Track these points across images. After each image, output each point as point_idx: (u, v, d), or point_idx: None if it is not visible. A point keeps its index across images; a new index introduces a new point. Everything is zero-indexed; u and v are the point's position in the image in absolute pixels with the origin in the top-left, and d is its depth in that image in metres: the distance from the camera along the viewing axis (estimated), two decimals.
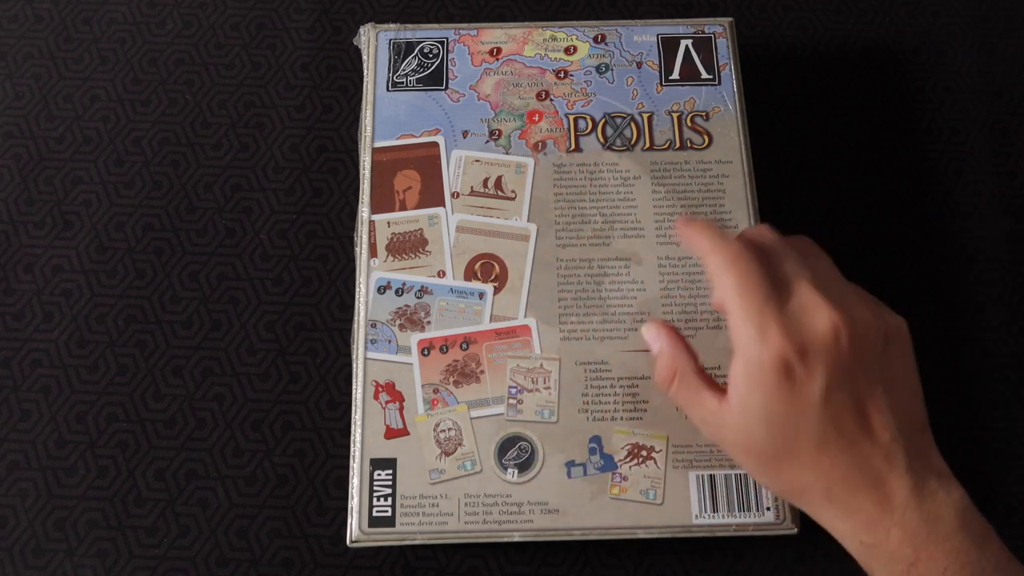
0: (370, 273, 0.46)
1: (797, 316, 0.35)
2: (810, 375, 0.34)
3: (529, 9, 0.57)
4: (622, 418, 0.43)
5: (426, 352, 0.44)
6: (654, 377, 0.39)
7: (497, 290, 0.45)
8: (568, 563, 0.45)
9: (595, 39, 0.50)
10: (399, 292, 0.45)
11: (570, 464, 0.42)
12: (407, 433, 0.43)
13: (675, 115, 0.49)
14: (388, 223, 0.47)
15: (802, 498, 0.36)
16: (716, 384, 0.37)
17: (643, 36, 0.50)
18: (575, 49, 0.50)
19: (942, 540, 0.33)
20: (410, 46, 0.50)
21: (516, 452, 0.43)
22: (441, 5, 0.57)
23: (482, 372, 0.44)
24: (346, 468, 0.46)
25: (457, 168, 0.48)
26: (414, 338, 0.44)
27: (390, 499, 0.42)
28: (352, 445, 0.43)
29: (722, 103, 0.49)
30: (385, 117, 0.49)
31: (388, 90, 0.49)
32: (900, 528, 0.33)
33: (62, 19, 0.56)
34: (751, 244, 0.37)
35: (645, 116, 0.49)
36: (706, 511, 0.42)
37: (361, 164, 0.48)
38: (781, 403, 0.34)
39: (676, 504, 0.42)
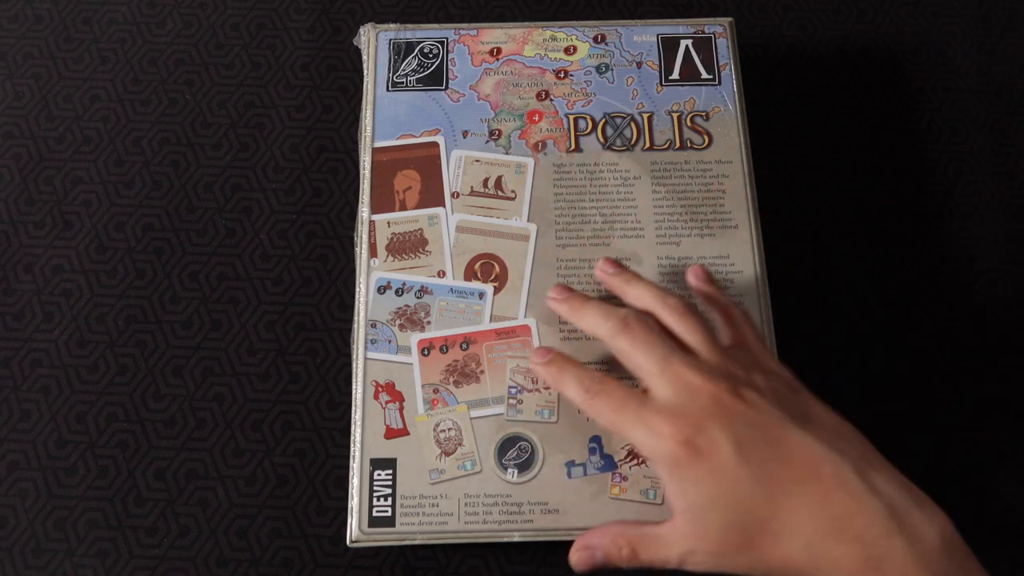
0: (370, 273, 0.46)
1: (675, 402, 0.36)
2: (713, 443, 0.35)
3: (529, 9, 0.57)
4: None
5: (426, 352, 0.44)
6: (622, 566, 0.37)
7: (497, 290, 0.45)
8: (568, 563, 0.45)
9: (595, 39, 0.50)
10: (399, 292, 0.45)
11: (570, 464, 0.42)
12: (407, 433, 0.43)
13: (675, 115, 0.49)
14: (388, 223, 0.47)
15: (795, 568, 0.34)
16: (656, 522, 0.37)
17: (643, 36, 0.50)
18: (575, 49, 0.50)
19: (929, 563, 0.32)
20: (410, 46, 0.50)
21: (516, 452, 0.43)
22: (441, 5, 0.57)
23: (482, 372, 0.44)
24: (346, 468, 0.46)
25: (457, 168, 0.48)
26: (414, 338, 0.44)
27: (390, 499, 0.42)
28: (352, 445, 0.43)
29: (722, 103, 0.49)
30: (385, 117, 0.49)
31: (388, 90, 0.49)
32: (891, 561, 0.32)
33: (62, 19, 0.56)
34: (618, 343, 0.39)
35: (645, 116, 0.49)
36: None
37: (361, 164, 0.48)
38: (710, 480, 0.35)
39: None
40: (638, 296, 0.41)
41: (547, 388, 0.44)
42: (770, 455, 0.34)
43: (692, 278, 0.43)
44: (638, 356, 0.38)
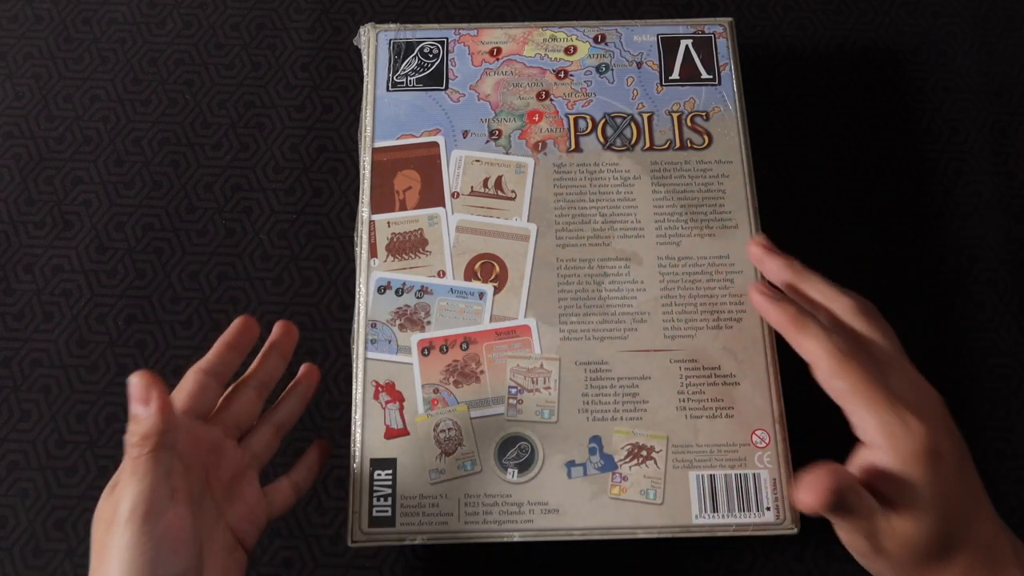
0: (370, 273, 0.46)
1: (916, 400, 0.36)
2: (948, 452, 0.35)
3: (529, 9, 0.57)
4: (622, 418, 0.43)
5: (426, 352, 0.44)
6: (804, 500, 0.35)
7: (497, 290, 0.45)
8: (568, 563, 0.45)
9: (595, 39, 0.50)
10: (399, 292, 0.45)
11: (570, 464, 0.42)
12: (407, 433, 0.43)
13: (675, 115, 0.49)
14: (388, 223, 0.47)
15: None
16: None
17: (643, 36, 0.50)
18: (575, 49, 0.50)
19: None
20: (410, 46, 0.50)
21: (516, 452, 0.43)
22: (441, 5, 0.57)
23: (482, 372, 0.44)
24: (346, 468, 0.46)
25: (457, 168, 0.48)
26: (414, 338, 0.44)
27: (390, 499, 0.42)
28: (352, 445, 0.43)
29: (722, 103, 0.49)
30: (385, 117, 0.49)
31: (388, 90, 0.49)
32: None
33: (62, 19, 0.56)
34: (840, 329, 0.38)
35: (645, 116, 0.49)
36: (706, 511, 0.42)
37: (361, 164, 0.48)
38: (941, 486, 0.35)
39: (676, 504, 0.42)
40: (821, 294, 0.40)
41: (547, 388, 0.44)
42: (968, 480, 0.37)
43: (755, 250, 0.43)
44: (875, 343, 0.38)
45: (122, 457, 0.47)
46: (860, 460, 0.36)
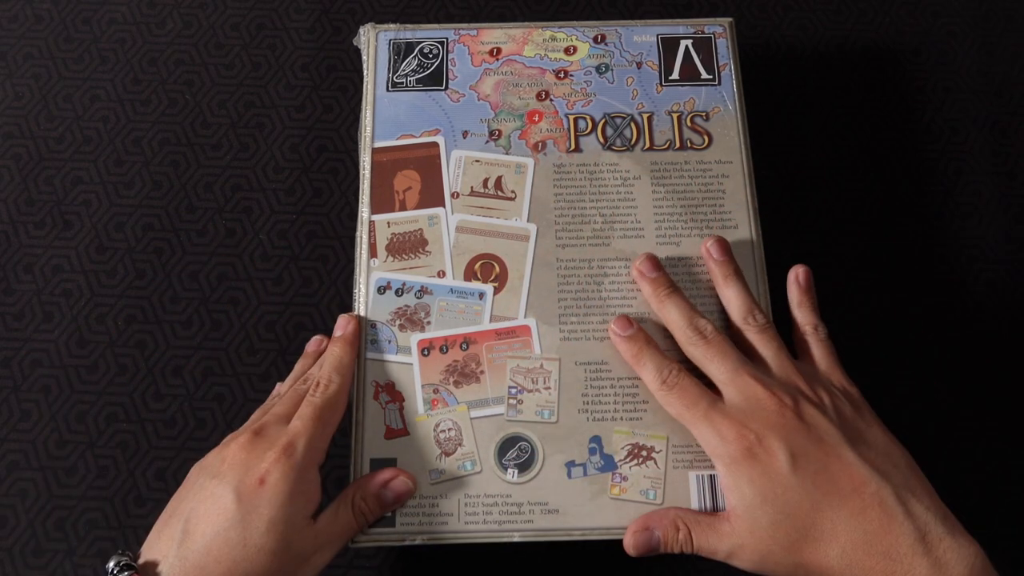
0: (370, 273, 0.46)
1: (744, 409, 0.39)
2: (770, 452, 0.38)
3: (529, 9, 0.57)
4: (622, 418, 0.43)
5: (426, 352, 0.44)
6: (675, 550, 0.40)
7: (497, 290, 0.45)
8: (568, 563, 0.45)
9: (595, 39, 0.50)
10: (399, 292, 0.45)
11: (570, 464, 0.42)
12: (407, 433, 0.43)
13: (675, 115, 0.49)
14: (388, 223, 0.47)
15: (829, 573, 0.37)
16: (713, 513, 0.40)
17: (643, 36, 0.50)
18: (575, 49, 0.50)
19: None
20: (410, 46, 0.50)
21: (516, 452, 0.43)
22: (441, 5, 0.57)
23: (482, 372, 0.44)
24: (346, 468, 0.46)
25: (457, 168, 0.48)
26: (414, 338, 0.44)
27: None
28: (352, 445, 0.43)
29: (722, 103, 0.49)
30: (385, 117, 0.49)
31: (388, 90, 0.49)
32: None
33: (62, 19, 0.56)
34: (691, 347, 0.42)
35: (645, 116, 0.49)
36: (706, 511, 0.42)
37: (361, 164, 0.48)
38: (763, 481, 0.37)
39: (676, 504, 0.42)
40: (729, 299, 0.44)
41: (547, 388, 0.44)
42: (820, 469, 0.37)
43: (793, 285, 0.45)
44: (711, 365, 0.41)
45: (122, 457, 0.47)
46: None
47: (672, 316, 0.43)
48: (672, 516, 0.40)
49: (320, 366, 0.43)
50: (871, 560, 0.36)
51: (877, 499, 0.36)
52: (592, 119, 0.48)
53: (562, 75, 0.49)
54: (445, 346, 0.44)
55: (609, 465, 0.42)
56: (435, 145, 0.48)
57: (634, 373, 0.44)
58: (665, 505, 0.42)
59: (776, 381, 0.40)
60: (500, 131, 0.48)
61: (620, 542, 0.44)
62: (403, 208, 0.47)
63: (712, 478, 0.42)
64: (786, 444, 0.38)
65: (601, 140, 0.48)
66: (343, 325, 0.44)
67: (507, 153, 0.48)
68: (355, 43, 0.51)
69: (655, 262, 0.44)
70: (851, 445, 0.38)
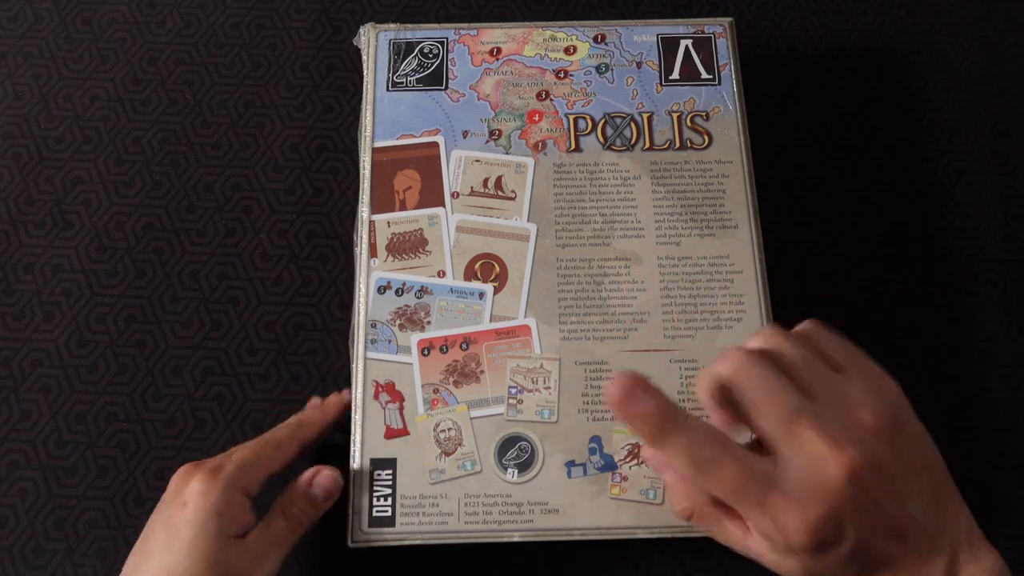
0: (370, 273, 0.46)
1: (806, 485, 0.32)
2: (842, 538, 0.32)
3: (529, 9, 0.57)
4: None
5: (426, 352, 0.44)
6: (671, 507, 0.38)
7: (497, 290, 0.45)
8: (568, 563, 0.45)
9: (595, 39, 0.50)
10: (399, 292, 0.45)
11: (570, 464, 0.42)
12: (407, 433, 0.43)
13: (675, 115, 0.49)
14: (388, 223, 0.47)
15: None
16: (734, 512, 0.34)
17: (643, 36, 0.50)
18: (575, 49, 0.50)
19: None
20: (410, 46, 0.50)
21: (516, 452, 0.43)
22: (441, 5, 0.57)
23: (482, 372, 0.44)
24: (346, 468, 0.46)
25: (457, 168, 0.48)
26: (414, 338, 0.44)
27: (390, 499, 0.42)
28: (352, 445, 0.43)
29: (722, 103, 0.49)
30: (385, 117, 0.49)
31: (388, 90, 0.49)
32: None
33: (62, 19, 0.56)
34: (725, 402, 0.34)
35: (645, 116, 0.49)
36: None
37: (361, 164, 0.48)
38: (819, 565, 0.33)
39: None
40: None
41: (547, 388, 0.44)
42: (887, 536, 0.33)
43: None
44: (758, 414, 0.33)
45: (122, 457, 0.47)
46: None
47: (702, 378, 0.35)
48: (685, 499, 0.36)
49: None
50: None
51: (918, 551, 0.33)
52: (592, 119, 0.48)
53: (562, 75, 0.49)
54: (445, 346, 0.44)
55: (609, 465, 0.42)
56: (435, 145, 0.48)
57: None
58: (665, 505, 0.42)
59: (839, 424, 0.32)
60: (500, 131, 0.48)
61: (620, 542, 0.44)
62: (403, 208, 0.47)
63: None
64: (858, 527, 0.32)
65: (601, 140, 0.48)
66: (333, 402, 0.45)
67: (507, 153, 0.48)
68: (355, 43, 0.51)
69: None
70: (908, 490, 0.33)
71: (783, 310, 0.45)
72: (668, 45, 0.50)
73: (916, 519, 0.33)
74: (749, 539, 0.35)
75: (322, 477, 0.41)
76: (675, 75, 0.49)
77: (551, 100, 0.49)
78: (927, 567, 0.33)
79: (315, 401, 0.46)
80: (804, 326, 0.37)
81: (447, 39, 0.50)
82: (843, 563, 0.33)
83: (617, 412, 0.33)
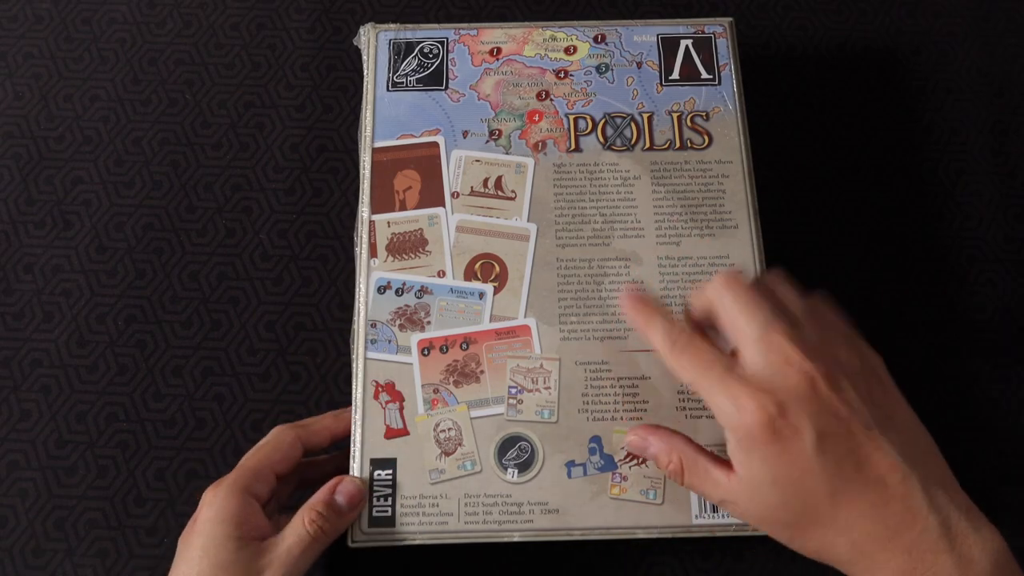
0: (370, 273, 0.46)
1: (768, 375, 0.35)
2: (795, 430, 0.34)
3: (529, 9, 0.57)
4: (622, 418, 0.43)
5: (426, 352, 0.44)
6: (666, 473, 0.39)
7: (497, 290, 0.45)
8: (568, 563, 0.45)
9: (595, 39, 0.50)
10: (399, 292, 0.45)
11: (570, 464, 0.42)
12: (407, 433, 0.43)
13: (675, 115, 0.49)
14: (388, 223, 0.47)
15: (833, 558, 0.35)
16: (722, 460, 0.37)
17: (643, 36, 0.50)
18: (575, 49, 0.50)
19: None
20: (410, 46, 0.50)
21: (516, 452, 0.43)
22: (441, 5, 0.57)
23: (482, 372, 0.44)
24: (346, 468, 0.46)
25: (457, 168, 0.47)
26: (414, 338, 0.44)
27: (390, 499, 0.42)
28: (352, 445, 0.43)
29: (722, 103, 0.49)
30: (385, 117, 0.49)
31: (388, 90, 0.49)
32: (933, 574, 0.32)
33: (62, 19, 0.56)
34: (707, 311, 0.38)
35: (645, 116, 0.49)
36: (706, 511, 0.42)
37: (361, 164, 0.48)
38: (779, 463, 0.34)
39: (676, 504, 0.42)
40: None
41: (547, 388, 0.44)
42: (846, 454, 0.34)
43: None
44: (740, 317, 0.36)
45: (122, 457, 0.47)
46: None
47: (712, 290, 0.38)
48: (674, 444, 0.38)
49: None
50: (887, 555, 0.33)
51: (902, 491, 0.33)
52: (592, 119, 0.48)
53: (562, 75, 0.49)
54: (445, 346, 0.44)
55: (609, 465, 0.42)
56: (435, 145, 0.48)
57: (635, 373, 0.44)
58: (665, 505, 0.42)
59: (809, 342, 0.35)
60: (500, 131, 0.48)
61: (620, 542, 0.44)
62: (403, 208, 0.47)
63: None
64: (813, 422, 0.33)
65: (601, 140, 0.48)
66: (348, 416, 0.44)
67: (507, 153, 0.48)
68: (355, 43, 0.51)
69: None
70: (880, 428, 0.34)
71: None
72: (668, 45, 0.50)
73: (892, 460, 0.33)
74: (733, 479, 0.36)
75: (345, 484, 0.41)
76: (675, 75, 0.49)
77: (551, 100, 0.49)
78: (918, 521, 0.33)
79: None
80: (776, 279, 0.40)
81: (447, 39, 0.50)
82: (805, 469, 0.34)
83: (626, 309, 0.40)
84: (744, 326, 0.36)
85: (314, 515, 0.40)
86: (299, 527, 0.39)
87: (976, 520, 0.34)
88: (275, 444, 0.42)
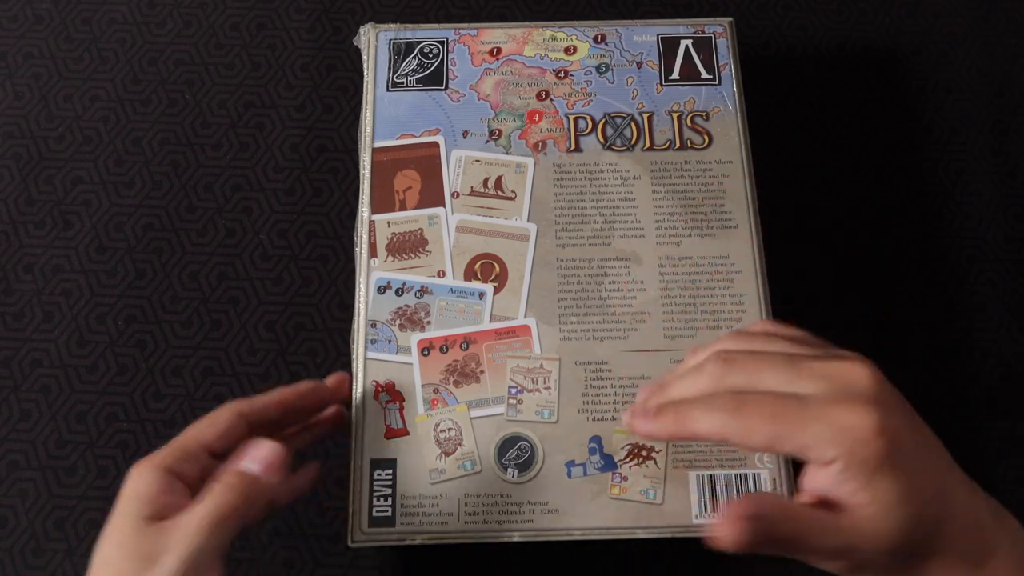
0: (370, 273, 0.46)
1: (833, 384, 0.31)
2: (898, 429, 0.30)
3: (529, 9, 0.57)
4: (622, 418, 0.43)
5: (426, 352, 0.44)
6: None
7: (497, 290, 0.45)
8: (568, 563, 0.45)
9: (595, 39, 0.50)
10: (399, 292, 0.45)
11: (570, 464, 0.42)
12: (407, 433, 0.43)
13: (675, 115, 0.49)
14: (388, 223, 0.47)
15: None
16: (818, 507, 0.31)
17: (643, 36, 0.50)
18: (575, 49, 0.50)
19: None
20: (410, 46, 0.50)
21: (516, 452, 0.43)
22: (441, 5, 0.57)
23: (482, 372, 0.44)
24: (346, 468, 0.46)
25: (457, 168, 0.47)
26: (414, 338, 0.44)
27: (390, 499, 0.42)
28: (352, 445, 0.43)
29: (722, 103, 0.49)
30: (385, 117, 0.49)
31: (388, 90, 0.49)
32: (999, 549, 0.31)
33: (62, 19, 0.56)
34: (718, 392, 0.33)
35: (645, 116, 0.49)
36: (706, 511, 0.42)
37: (361, 164, 0.48)
38: (904, 472, 0.30)
39: (676, 504, 0.42)
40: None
41: (547, 388, 0.44)
42: (935, 446, 0.31)
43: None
44: (764, 375, 0.32)
45: (122, 457, 0.47)
46: (808, 484, 0.32)
47: (679, 386, 0.34)
48: (786, 507, 0.31)
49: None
50: (990, 554, 0.31)
51: (966, 488, 0.32)
52: (592, 119, 0.48)
53: (562, 75, 0.49)
54: (445, 346, 0.44)
55: (609, 465, 0.42)
56: (435, 145, 0.48)
57: (635, 373, 0.44)
58: (665, 505, 0.42)
59: (838, 355, 0.32)
60: (500, 131, 0.48)
61: (620, 542, 0.44)
62: (403, 208, 0.47)
63: (712, 478, 0.42)
64: (905, 421, 0.31)
65: (601, 140, 0.48)
66: (303, 388, 0.41)
67: (507, 153, 0.48)
68: (355, 43, 0.51)
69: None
70: (927, 435, 0.32)
71: (783, 310, 0.45)
72: (668, 45, 0.50)
73: (939, 451, 0.32)
74: (844, 515, 0.30)
75: (257, 448, 0.36)
76: (675, 75, 0.49)
77: (551, 100, 0.49)
78: (974, 498, 0.31)
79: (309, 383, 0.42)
80: (759, 325, 0.37)
81: (447, 39, 0.50)
82: (914, 468, 0.30)
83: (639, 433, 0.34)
84: (773, 381, 0.32)
85: (223, 487, 0.35)
86: (207, 500, 0.34)
87: (1005, 516, 0.33)
88: (210, 420, 0.37)
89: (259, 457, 0.36)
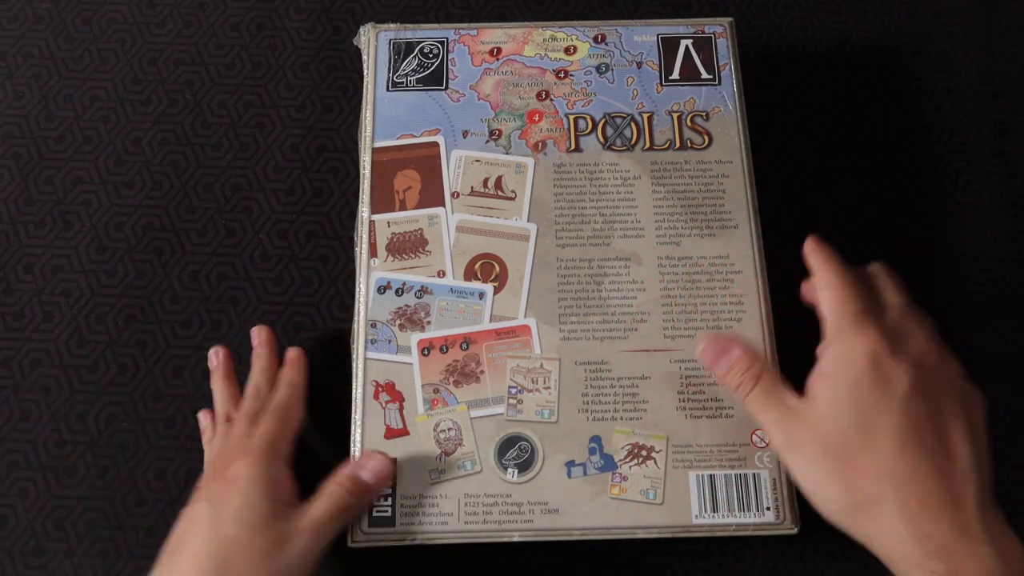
0: (370, 273, 0.46)
1: (892, 329, 0.38)
2: (896, 371, 0.36)
3: (529, 9, 0.57)
4: (622, 418, 0.43)
5: (426, 352, 0.44)
6: (726, 382, 0.40)
7: (497, 290, 0.45)
8: (568, 563, 0.45)
9: (595, 39, 0.50)
10: (399, 292, 0.45)
11: (570, 464, 0.42)
12: (407, 433, 0.43)
13: (675, 115, 0.49)
14: (388, 223, 0.47)
15: (873, 512, 0.35)
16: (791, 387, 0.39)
17: (643, 36, 0.50)
18: (575, 49, 0.50)
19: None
20: (410, 46, 0.50)
21: (516, 452, 0.43)
22: (441, 5, 0.57)
23: (482, 372, 0.44)
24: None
25: (457, 168, 0.48)
26: (414, 338, 0.44)
27: (390, 499, 0.42)
28: (352, 445, 0.43)
29: (722, 103, 0.49)
30: (385, 117, 0.49)
31: (388, 90, 0.49)
32: (974, 561, 0.33)
33: (62, 19, 0.56)
34: (861, 272, 0.41)
35: (645, 116, 0.49)
36: (706, 511, 0.42)
37: (361, 164, 0.48)
38: (867, 389, 0.36)
39: (676, 504, 0.42)
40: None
41: (547, 388, 0.44)
42: (928, 415, 0.36)
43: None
44: (834, 304, 0.39)
45: (122, 457, 0.47)
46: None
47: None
48: (759, 356, 0.40)
49: (264, 380, 0.46)
50: (932, 526, 0.34)
51: (963, 478, 0.35)
52: (592, 119, 0.48)
53: (562, 75, 0.49)
54: (445, 346, 0.44)
55: (609, 465, 0.42)
56: (435, 145, 0.48)
57: (635, 373, 0.44)
58: (665, 505, 0.42)
59: (899, 337, 0.38)
60: (500, 131, 0.48)
61: (620, 542, 0.44)
62: (403, 208, 0.47)
63: (712, 478, 0.42)
64: (914, 376, 0.36)
65: (601, 140, 0.48)
66: (294, 357, 0.46)
67: (507, 153, 0.48)
68: (355, 43, 0.51)
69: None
70: (965, 427, 0.36)
71: (783, 310, 0.45)
72: (668, 45, 0.50)
73: (966, 448, 0.36)
74: (804, 401, 0.37)
75: (373, 461, 0.41)
76: (675, 75, 0.49)
77: (551, 100, 0.49)
78: (967, 507, 0.34)
79: (261, 351, 0.47)
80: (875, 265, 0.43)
81: (447, 39, 0.50)
82: (888, 407, 0.35)
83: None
84: (839, 309, 0.39)
85: (341, 488, 0.40)
86: (327, 497, 0.40)
87: (1010, 533, 0.35)
88: (289, 411, 0.44)
89: (373, 469, 0.41)
